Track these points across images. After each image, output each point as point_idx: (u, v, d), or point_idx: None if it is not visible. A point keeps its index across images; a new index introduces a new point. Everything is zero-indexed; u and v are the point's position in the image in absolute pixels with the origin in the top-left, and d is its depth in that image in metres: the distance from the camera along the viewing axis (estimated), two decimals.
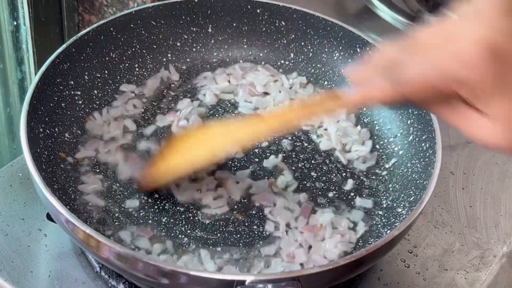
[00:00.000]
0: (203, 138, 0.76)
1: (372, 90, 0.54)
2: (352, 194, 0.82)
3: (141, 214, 0.77)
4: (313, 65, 0.97)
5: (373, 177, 0.84)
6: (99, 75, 0.89)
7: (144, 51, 0.94)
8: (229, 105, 0.93)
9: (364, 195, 0.82)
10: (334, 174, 0.84)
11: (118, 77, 0.91)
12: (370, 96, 0.56)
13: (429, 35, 0.50)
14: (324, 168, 0.85)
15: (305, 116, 0.69)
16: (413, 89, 0.51)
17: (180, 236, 0.75)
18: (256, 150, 0.86)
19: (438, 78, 0.49)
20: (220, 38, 0.98)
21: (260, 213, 0.78)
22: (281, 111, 0.77)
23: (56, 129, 0.81)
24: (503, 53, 0.46)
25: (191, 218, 0.77)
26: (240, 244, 0.74)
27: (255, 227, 0.77)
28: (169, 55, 0.96)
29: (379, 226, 0.78)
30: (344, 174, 0.84)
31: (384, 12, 1.19)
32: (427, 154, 0.78)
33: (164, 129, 0.88)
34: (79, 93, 0.86)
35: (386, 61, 0.53)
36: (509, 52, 0.46)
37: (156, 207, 0.78)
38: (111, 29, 0.90)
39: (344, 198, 0.81)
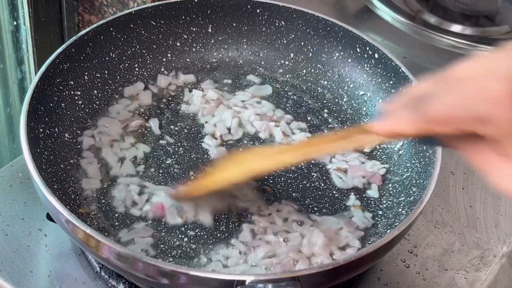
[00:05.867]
0: (240, 159, 0.75)
1: (398, 121, 0.53)
2: (351, 194, 0.82)
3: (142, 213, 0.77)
4: (313, 65, 0.97)
5: None
6: (99, 75, 0.89)
7: (144, 51, 0.94)
8: None
9: (364, 195, 0.82)
10: (333, 175, 0.84)
11: (118, 77, 0.91)
12: (395, 128, 0.53)
13: (464, 69, 0.48)
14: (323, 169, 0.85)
15: (332, 149, 0.71)
16: (438, 122, 0.48)
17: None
18: None
19: (463, 113, 0.46)
20: (220, 38, 0.98)
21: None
22: (307, 143, 0.77)
23: (56, 129, 0.81)
24: None
25: None
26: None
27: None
28: (169, 55, 0.96)
29: (379, 226, 0.78)
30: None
31: (384, 12, 1.19)
32: (427, 154, 0.78)
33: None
34: (79, 93, 0.86)
35: (418, 94, 0.51)
36: None
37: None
38: (111, 29, 0.90)
39: (344, 198, 0.81)
